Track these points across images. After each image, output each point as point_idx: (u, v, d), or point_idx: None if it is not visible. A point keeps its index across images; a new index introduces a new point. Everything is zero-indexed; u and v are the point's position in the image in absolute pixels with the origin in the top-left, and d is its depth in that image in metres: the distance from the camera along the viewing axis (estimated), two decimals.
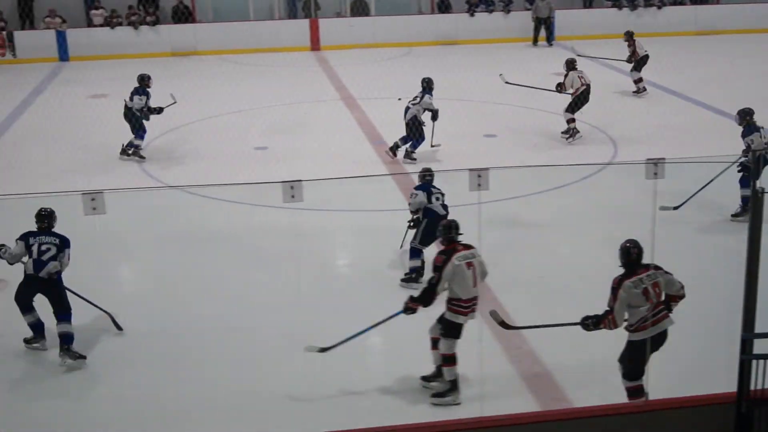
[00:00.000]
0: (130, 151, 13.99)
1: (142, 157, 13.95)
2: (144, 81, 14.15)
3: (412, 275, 9.21)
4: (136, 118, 13.89)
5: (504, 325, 7.21)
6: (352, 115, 16.75)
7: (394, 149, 13.64)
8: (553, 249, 10.33)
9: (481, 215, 7.30)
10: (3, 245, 8.00)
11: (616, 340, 6.64)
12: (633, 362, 6.56)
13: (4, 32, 23.80)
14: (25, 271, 7.89)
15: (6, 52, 23.48)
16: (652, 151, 12.24)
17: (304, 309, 8.42)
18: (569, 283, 9.25)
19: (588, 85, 14.61)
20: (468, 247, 7.16)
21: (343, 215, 11.30)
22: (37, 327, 8.09)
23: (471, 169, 6.54)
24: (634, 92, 18.08)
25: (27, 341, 8.13)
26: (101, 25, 24.40)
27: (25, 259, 7.92)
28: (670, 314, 6.58)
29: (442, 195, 9.37)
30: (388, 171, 13.14)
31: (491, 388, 7.29)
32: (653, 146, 13.70)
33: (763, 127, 11.03)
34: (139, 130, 13.95)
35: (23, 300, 7.95)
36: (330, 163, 13.49)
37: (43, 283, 7.82)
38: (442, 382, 7.25)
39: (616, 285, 6.45)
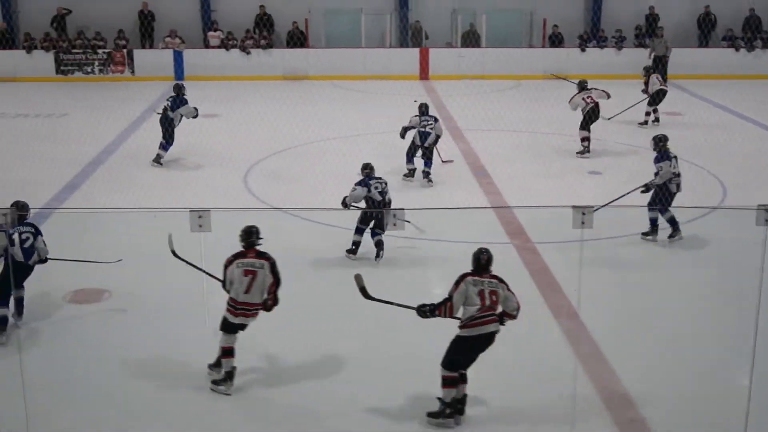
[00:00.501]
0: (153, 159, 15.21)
1: (160, 164, 15.08)
2: (180, 90, 15.35)
3: (354, 248, 10.77)
4: (170, 126, 15.14)
5: (363, 292, 7.47)
6: (457, 146, 16.77)
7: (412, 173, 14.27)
8: (653, 291, 10.10)
9: (583, 253, 7.21)
10: None
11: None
12: (453, 354, 7.04)
13: (125, 50, 24.75)
14: (12, 259, 8.33)
15: (125, 69, 24.40)
16: (765, 196, 11.87)
17: (397, 334, 8.44)
18: (671, 325, 9.03)
19: (596, 103, 15.78)
20: (262, 256, 7.63)
21: (442, 245, 11.29)
22: (3, 321, 8.54)
23: (574, 207, 6.48)
24: (640, 123, 18.38)
25: None
26: (217, 47, 25.13)
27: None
28: (501, 326, 7.05)
29: (383, 184, 10.86)
30: (490, 203, 13.09)
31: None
32: (766, 191, 13.30)
33: (675, 156, 11.50)
34: (169, 139, 15.11)
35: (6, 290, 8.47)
36: (432, 193, 13.53)
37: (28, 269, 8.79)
38: (219, 372, 7.76)
39: (460, 278, 7.00)
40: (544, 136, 17.40)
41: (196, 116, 15.35)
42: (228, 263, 7.62)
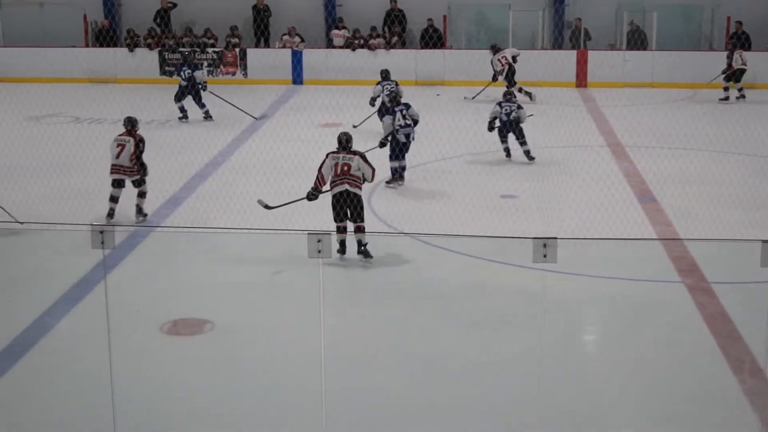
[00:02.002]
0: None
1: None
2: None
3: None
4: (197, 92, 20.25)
5: (266, 206, 12.29)
6: (619, 165, 16.52)
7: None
8: None
9: None
10: None
11: None
12: (333, 209, 11.73)
13: (237, 50, 25.44)
14: None
15: (237, 71, 25.07)
16: None
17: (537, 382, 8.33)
18: None
19: None
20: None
21: (598, 282, 11.11)
22: None
23: (765, 241, 6.30)
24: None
25: None
26: (341, 47, 25.54)
27: None
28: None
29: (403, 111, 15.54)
30: (657, 234, 12.83)
31: None
32: None
33: None
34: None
35: None
36: (588, 220, 13.35)
37: None
38: None
39: (326, 156, 11.92)
40: (726, 156, 16.94)
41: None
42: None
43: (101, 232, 6.17)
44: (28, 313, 10.25)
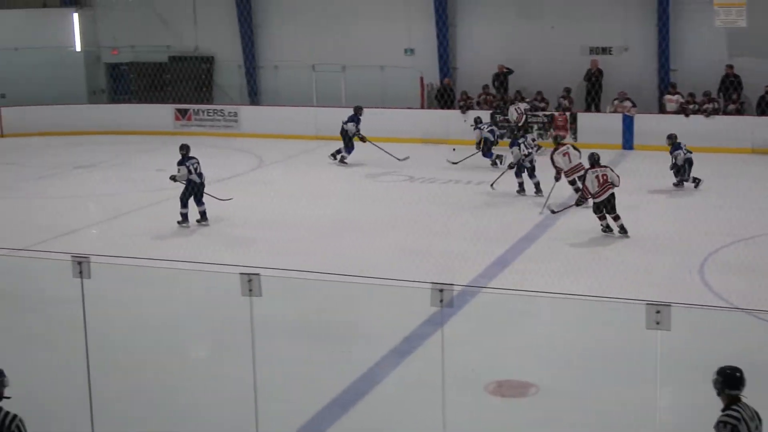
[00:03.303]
0: (337, 158, 22.86)
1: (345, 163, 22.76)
2: (359, 110, 22.84)
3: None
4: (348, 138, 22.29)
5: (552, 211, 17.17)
6: None
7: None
8: None
9: None
10: None
11: None
12: (595, 208, 16.09)
13: (568, 114, 25.43)
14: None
15: (567, 134, 25.02)
16: None
17: None
18: None
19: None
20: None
21: None
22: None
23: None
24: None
25: None
26: (674, 112, 24.85)
27: None
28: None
29: None
30: None
31: None
32: None
33: None
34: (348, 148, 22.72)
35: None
36: None
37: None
38: None
39: (585, 173, 16.30)
40: None
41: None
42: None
43: (441, 291, 6.24)
44: (361, 364, 10.58)
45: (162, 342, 11.86)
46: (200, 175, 17.30)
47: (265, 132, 27.67)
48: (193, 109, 29.31)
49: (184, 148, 17.46)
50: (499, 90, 26.84)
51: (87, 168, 23.66)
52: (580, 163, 17.86)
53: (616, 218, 15.90)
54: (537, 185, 19.21)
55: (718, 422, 6.43)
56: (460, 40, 28.13)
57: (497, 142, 22.73)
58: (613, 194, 15.82)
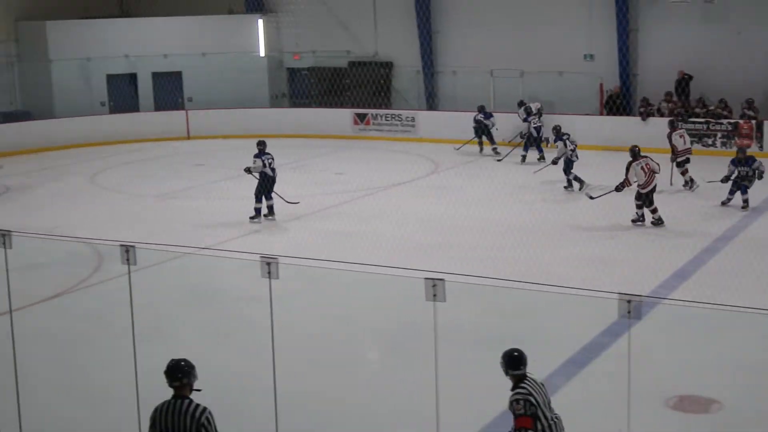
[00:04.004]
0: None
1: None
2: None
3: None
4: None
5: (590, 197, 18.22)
6: None
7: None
8: None
9: None
10: None
11: None
12: (640, 200, 17.07)
13: (754, 121, 24.56)
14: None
15: (752, 143, 24.19)
16: None
17: None
18: None
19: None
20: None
21: None
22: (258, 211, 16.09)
23: None
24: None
25: None
26: None
27: None
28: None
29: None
30: None
31: None
32: None
33: None
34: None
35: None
36: None
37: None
38: None
39: (628, 165, 17.05)
40: None
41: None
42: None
43: (629, 301, 6.19)
44: (539, 373, 10.55)
45: (344, 343, 12.14)
46: (273, 170, 18.43)
47: (442, 137, 27.88)
48: (372, 114, 29.80)
49: (262, 144, 18.62)
50: (681, 96, 26.19)
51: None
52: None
53: (654, 210, 17.03)
54: (576, 179, 20.68)
55: (511, 401, 7.19)
56: (641, 46, 27.59)
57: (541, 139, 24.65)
58: (655, 184, 17.03)
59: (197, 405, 6.74)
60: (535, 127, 24.74)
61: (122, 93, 31.64)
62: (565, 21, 28.02)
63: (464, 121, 26.99)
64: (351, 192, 21.23)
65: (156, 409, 6.79)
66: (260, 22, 32.28)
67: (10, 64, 31.35)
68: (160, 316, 12.68)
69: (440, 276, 6.97)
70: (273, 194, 18.58)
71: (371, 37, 31.22)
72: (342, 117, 30.10)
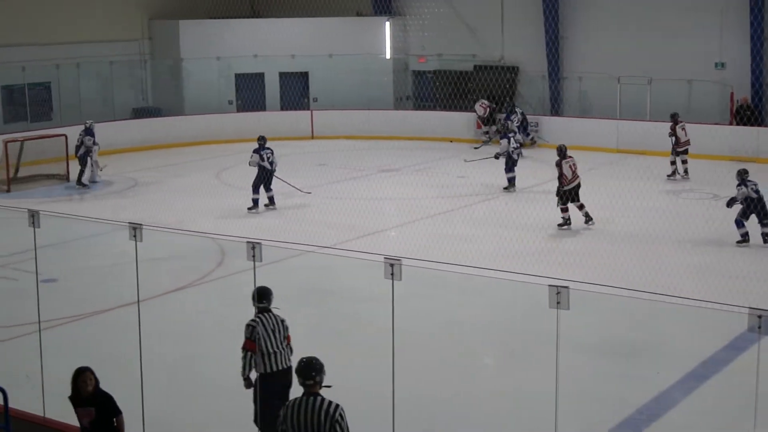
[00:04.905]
0: None
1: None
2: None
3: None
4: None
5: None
6: None
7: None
8: None
9: None
10: None
11: None
12: (562, 198, 17.84)
13: None
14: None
15: None
16: None
17: None
18: None
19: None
20: None
21: None
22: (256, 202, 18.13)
23: None
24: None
25: None
26: None
27: None
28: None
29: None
30: None
31: None
32: None
33: None
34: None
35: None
36: None
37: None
38: None
39: (559, 164, 17.91)
40: None
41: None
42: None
43: (759, 317, 5.99)
44: (657, 385, 10.36)
45: (463, 347, 12.11)
46: (272, 163, 19.94)
47: (567, 143, 27.29)
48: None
49: (262, 139, 20.19)
50: None
51: (390, 172, 24.47)
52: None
53: (581, 206, 17.94)
54: (512, 180, 21.72)
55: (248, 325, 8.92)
56: None
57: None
58: (579, 183, 18.00)
59: (330, 402, 6.79)
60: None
61: (250, 92, 32.25)
62: (696, 28, 27.35)
63: (589, 127, 26.65)
64: (471, 195, 21.17)
65: (287, 406, 6.85)
66: (387, 24, 32.42)
67: (143, 61, 32.27)
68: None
69: (564, 284, 6.87)
70: (287, 184, 20.52)
71: (497, 41, 31.06)
72: (466, 121, 30.06)
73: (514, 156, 21.84)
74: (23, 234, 9.77)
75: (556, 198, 18.11)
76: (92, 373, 7.75)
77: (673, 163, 23.05)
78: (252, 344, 8.86)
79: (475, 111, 29.19)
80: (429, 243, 16.74)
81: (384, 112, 31.20)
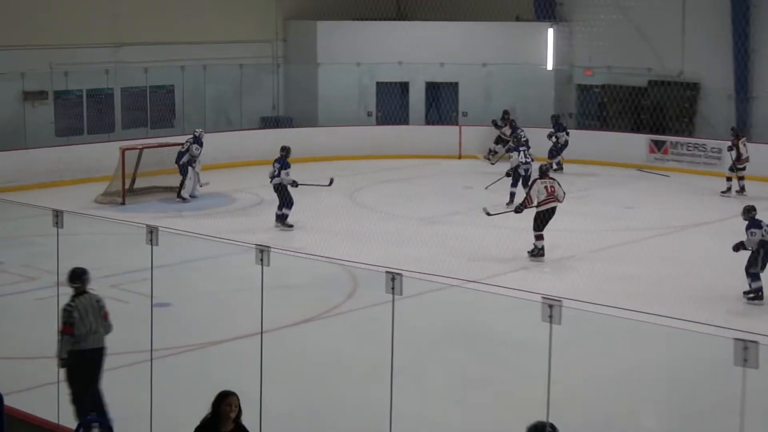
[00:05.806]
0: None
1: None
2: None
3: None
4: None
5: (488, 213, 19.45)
6: None
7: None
8: None
9: None
10: None
11: None
12: (536, 222, 18.27)
13: None
14: None
15: None
16: None
17: None
18: None
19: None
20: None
21: None
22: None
23: None
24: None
25: None
26: None
27: None
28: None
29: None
30: None
31: None
32: None
33: None
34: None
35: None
36: None
37: None
38: None
39: (532, 183, 18.92)
40: None
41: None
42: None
43: None
44: None
45: (624, 404, 11.80)
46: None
47: (756, 173, 26.25)
48: (671, 142, 29.03)
49: (285, 150, 21.34)
50: None
51: None
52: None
53: (540, 236, 18.29)
54: (511, 195, 23.12)
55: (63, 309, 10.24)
56: None
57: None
58: (554, 209, 18.31)
59: None
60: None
61: (392, 103, 32.35)
62: None
63: None
64: (640, 230, 20.73)
65: None
66: (550, 31, 32.03)
67: (276, 65, 32.69)
68: (413, 352, 12.71)
69: (753, 338, 6.55)
70: (304, 184, 21.27)
71: (677, 54, 30.35)
72: (636, 143, 29.55)
73: (520, 171, 23.28)
74: (138, 252, 9.92)
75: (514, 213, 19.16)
76: (238, 399, 7.78)
77: (729, 179, 24.96)
78: (69, 328, 10.23)
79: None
80: (589, 283, 16.43)
81: (541, 130, 30.20)
